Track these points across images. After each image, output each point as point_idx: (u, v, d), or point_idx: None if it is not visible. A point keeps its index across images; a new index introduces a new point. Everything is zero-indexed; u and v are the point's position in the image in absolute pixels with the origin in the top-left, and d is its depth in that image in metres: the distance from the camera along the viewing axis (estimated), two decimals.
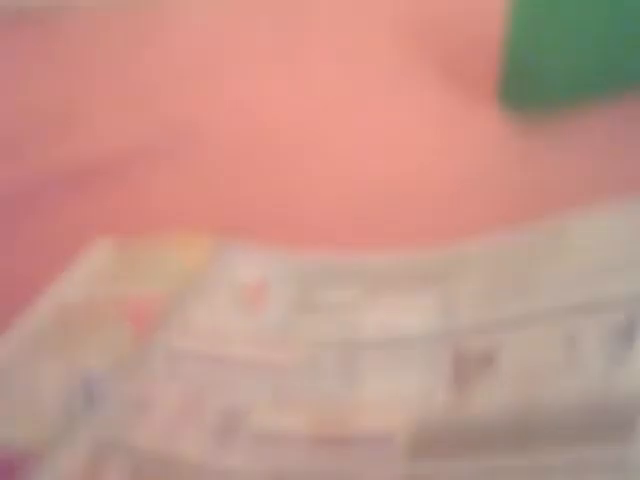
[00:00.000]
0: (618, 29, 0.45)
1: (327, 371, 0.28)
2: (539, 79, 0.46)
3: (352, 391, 0.27)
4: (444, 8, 0.59)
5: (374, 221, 0.38)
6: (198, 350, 0.30)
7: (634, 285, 0.26)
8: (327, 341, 0.30)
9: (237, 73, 0.55)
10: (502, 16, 0.51)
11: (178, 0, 0.66)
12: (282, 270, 0.34)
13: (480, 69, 0.51)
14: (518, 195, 0.39)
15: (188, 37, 0.59)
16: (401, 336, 0.29)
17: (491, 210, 0.37)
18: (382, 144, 0.45)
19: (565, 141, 0.44)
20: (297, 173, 0.43)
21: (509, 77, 0.47)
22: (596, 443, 0.22)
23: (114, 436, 0.27)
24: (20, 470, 0.26)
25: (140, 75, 0.56)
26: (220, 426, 0.27)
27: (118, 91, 0.54)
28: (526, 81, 0.46)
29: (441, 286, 0.31)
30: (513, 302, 0.28)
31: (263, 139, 0.47)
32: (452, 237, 0.34)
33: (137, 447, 0.27)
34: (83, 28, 0.64)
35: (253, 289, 0.33)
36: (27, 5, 0.66)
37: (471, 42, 0.54)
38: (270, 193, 0.42)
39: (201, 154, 0.46)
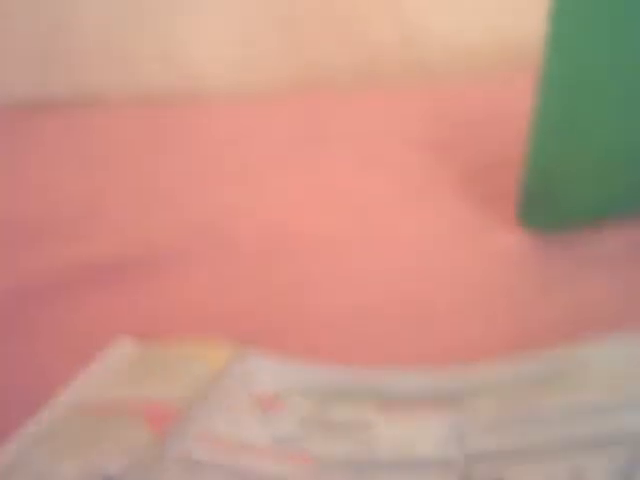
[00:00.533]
0: None
1: None
2: (560, 202, 0.47)
3: None
4: (467, 124, 0.60)
5: (388, 338, 0.38)
6: (215, 460, 0.31)
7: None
8: (342, 459, 0.30)
9: (257, 178, 0.56)
10: (525, 137, 0.52)
11: (205, 100, 0.67)
12: (297, 383, 0.35)
13: (500, 188, 0.52)
14: (536, 317, 0.39)
15: (213, 140, 0.61)
16: (415, 458, 0.29)
17: (506, 331, 0.38)
18: (399, 259, 0.46)
19: (585, 258, 0.44)
20: (314, 282, 0.44)
21: (529, 198, 0.47)
22: None
23: None
24: None
25: (165, 174, 0.57)
26: None
27: (142, 189, 0.55)
28: (546, 203, 0.47)
29: (453, 409, 0.31)
30: (523, 431, 0.28)
31: (283, 248, 0.48)
32: (466, 358, 0.35)
33: None
34: (109, 121, 0.65)
35: (268, 401, 0.34)
36: (53, 93, 0.68)
37: (492, 160, 0.55)
38: (287, 301, 0.42)
39: (222, 258, 0.47)
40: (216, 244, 0.48)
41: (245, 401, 0.33)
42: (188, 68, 0.69)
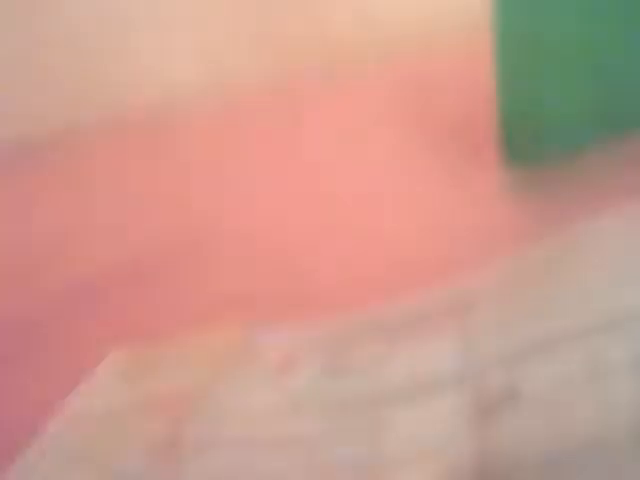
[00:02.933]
0: (614, 69, 0.46)
1: (357, 433, 0.28)
2: (538, 132, 0.47)
3: (383, 451, 0.27)
4: (432, 90, 0.60)
5: (382, 283, 0.38)
6: (228, 435, 0.30)
7: None
8: (357, 401, 0.29)
9: (240, 172, 0.56)
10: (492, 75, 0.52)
11: (179, 113, 0.67)
12: (309, 341, 0.34)
13: (477, 139, 0.52)
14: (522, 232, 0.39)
15: (191, 146, 0.61)
16: (427, 383, 0.28)
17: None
18: (385, 209, 0.46)
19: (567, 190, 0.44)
20: (307, 254, 0.44)
21: (508, 136, 0.47)
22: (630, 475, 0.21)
23: None
24: None
25: (147, 188, 0.56)
26: None
27: (128, 205, 0.55)
28: (524, 136, 0.47)
29: (457, 323, 0.30)
30: (530, 327, 0.27)
31: (269, 231, 0.48)
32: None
33: None
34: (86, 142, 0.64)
35: (281, 363, 0.33)
36: (30, 134, 0.68)
37: (465, 118, 0.55)
38: (283, 280, 0.42)
39: (212, 258, 0.46)
40: (207, 243, 0.48)
41: (258, 372, 0.33)
42: (159, 84, 0.69)
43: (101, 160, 0.62)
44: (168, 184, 0.56)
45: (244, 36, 0.69)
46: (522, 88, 0.46)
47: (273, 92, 0.67)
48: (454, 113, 0.56)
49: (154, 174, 0.58)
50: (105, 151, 0.63)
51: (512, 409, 0.25)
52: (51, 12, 0.67)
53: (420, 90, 0.61)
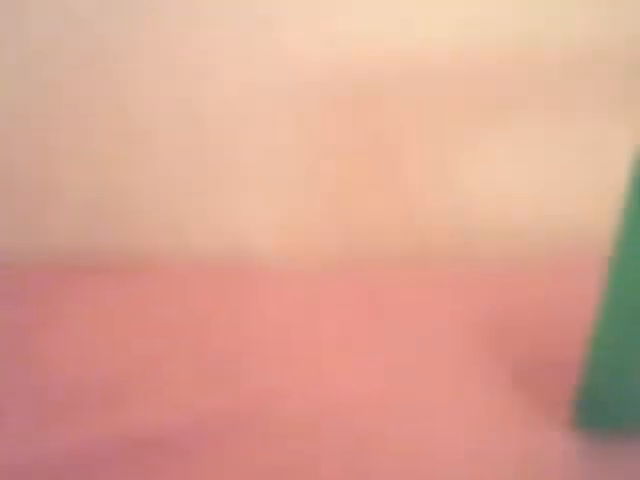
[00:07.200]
0: None
1: None
2: (618, 407, 0.45)
3: None
4: (522, 312, 0.59)
5: None
6: None
7: None
8: None
9: (306, 359, 0.54)
10: (584, 338, 0.51)
11: (253, 268, 0.66)
12: None
13: (555, 387, 0.50)
14: None
15: (263, 313, 0.59)
16: None
17: None
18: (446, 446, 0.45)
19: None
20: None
21: (586, 401, 0.46)
22: None
23: None
24: None
25: (209, 347, 0.55)
26: None
27: (186, 360, 0.53)
28: (604, 408, 0.46)
29: None
30: None
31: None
32: None
33: None
34: (157, 285, 0.63)
35: None
36: (99, 251, 0.67)
37: (549, 356, 0.53)
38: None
39: (253, 442, 0.45)
40: (250, 427, 0.47)
41: None
42: (236, 236, 0.69)
43: (170, 302, 0.61)
44: (225, 346, 0.55)
45: (320, 212, 0.68)
46: (615, 355, 0.45)
47: (348, 270, 0.66)
48: (538, 345, 0.54)
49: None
50: (175, 293, 0.62)
51: None
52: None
53: (507, 306, 0.59)
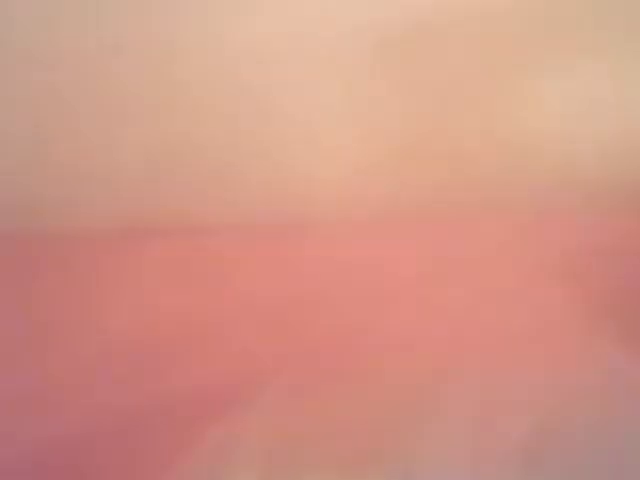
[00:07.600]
0: None
1: None
2: None
3: None
4: (602, 256, 0.56)
5: None
6: None
7: None
8: None
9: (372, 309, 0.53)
10: None
11: (316, 224, 0.65)
12: None
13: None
14: None
15: (327, 265, 0.59)
16: None
17: None
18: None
19: None
20: None
21: None
22: None
23: None
24: None
25: (276, 298, 0.54)
26: None
27: (250, 312, 0.52)
28: None
29: None
30: None
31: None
32: None
33: None
34: (217, 245, 0.62)
35: None
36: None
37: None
38: None
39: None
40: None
41: None
42: (298, 192, 0.68)
43: (231, 259, 0.61)
44: (292, 296, 0.54)
45: None
46: None
47: (416, 221, 0.64)
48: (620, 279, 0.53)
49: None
50: (235, 250, 0.62)
51: None
52: None
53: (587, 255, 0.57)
